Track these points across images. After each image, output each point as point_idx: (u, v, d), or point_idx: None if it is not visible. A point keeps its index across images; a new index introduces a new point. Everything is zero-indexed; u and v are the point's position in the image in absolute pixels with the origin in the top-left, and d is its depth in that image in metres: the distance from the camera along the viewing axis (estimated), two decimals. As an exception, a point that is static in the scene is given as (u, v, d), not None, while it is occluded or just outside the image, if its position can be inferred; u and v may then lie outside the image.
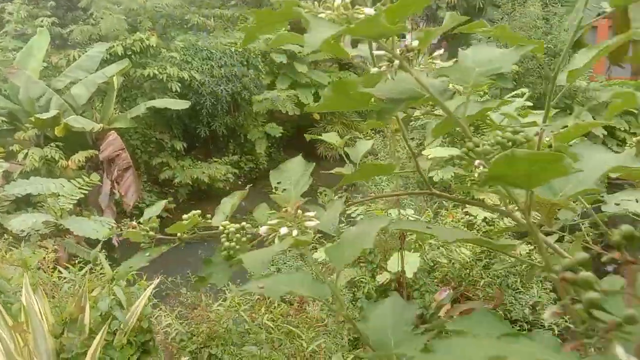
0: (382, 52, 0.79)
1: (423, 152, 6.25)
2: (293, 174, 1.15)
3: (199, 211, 1.03)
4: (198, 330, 3.24)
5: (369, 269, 4.67)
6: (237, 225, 1.11)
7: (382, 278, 4.37)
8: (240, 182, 11.02)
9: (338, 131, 12.33)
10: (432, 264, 4.65)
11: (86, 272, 2.99)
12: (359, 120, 12.71)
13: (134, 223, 1.00)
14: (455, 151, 6.08)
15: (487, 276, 4.96)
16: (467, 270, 4.84)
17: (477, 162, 0.67)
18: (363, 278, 4.68)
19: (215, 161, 9.94)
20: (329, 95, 0.82)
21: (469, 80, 0.80)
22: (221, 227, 1.12)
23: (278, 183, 1.21)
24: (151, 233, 1.02)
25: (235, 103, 10.10)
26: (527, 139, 0.68)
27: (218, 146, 11.03)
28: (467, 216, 5.65)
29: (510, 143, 0.67)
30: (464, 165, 0.70)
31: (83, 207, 6.92)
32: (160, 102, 8.07)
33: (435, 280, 4.74)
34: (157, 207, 1.11)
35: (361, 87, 0.78)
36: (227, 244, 1.09)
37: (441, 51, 0.86)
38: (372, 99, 0.80)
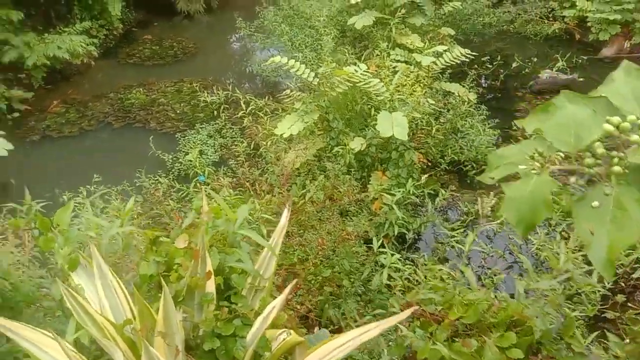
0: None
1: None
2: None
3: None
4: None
5: (332, 136, 4.27)
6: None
7: (356, 144, 4.02)
8: (97, 55, 9.22)
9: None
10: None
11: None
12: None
13: None
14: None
15: (437, 123, 4.91)
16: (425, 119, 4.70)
17: None
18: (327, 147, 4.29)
19: (64, 31, 8.02)
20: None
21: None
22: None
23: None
24: None
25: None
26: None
27: (60, 12, 8.88)
28: (401, 63, 5.35)
29: None
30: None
31: None
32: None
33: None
34: None
35: None
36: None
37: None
38: None
